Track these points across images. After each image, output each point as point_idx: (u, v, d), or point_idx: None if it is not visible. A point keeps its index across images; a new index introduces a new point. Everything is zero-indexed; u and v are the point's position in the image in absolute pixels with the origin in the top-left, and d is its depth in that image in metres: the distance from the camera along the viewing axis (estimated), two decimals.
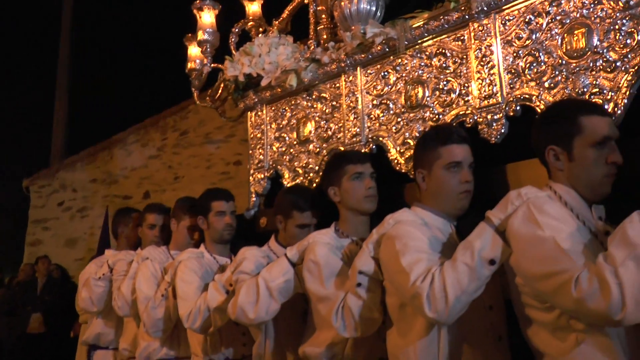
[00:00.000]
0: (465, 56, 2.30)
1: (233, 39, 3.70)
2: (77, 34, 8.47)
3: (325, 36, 3.13)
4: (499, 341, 1.86)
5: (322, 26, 3.16)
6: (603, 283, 1.32)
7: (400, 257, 1.74)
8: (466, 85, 2.28)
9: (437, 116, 2.36)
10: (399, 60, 2.54)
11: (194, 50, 3.69)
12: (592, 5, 1.97)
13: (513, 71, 2.15)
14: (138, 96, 8.16)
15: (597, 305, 1.33)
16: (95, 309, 3.33)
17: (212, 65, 3.49)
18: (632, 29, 1.87)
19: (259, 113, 3.23)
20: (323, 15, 3.18)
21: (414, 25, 2.45)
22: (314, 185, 2.80)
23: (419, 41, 2.45)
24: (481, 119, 2.20)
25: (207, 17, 3.50)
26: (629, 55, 1.86)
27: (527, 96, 2.09)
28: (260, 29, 3.74)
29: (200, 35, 3.45)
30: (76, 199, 7.59)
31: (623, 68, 1.87)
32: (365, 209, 2.23)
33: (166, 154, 7.12)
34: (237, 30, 3.77)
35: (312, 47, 3.07)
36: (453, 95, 2.32)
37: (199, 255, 2.84)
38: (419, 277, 1.65)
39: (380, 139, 2.55)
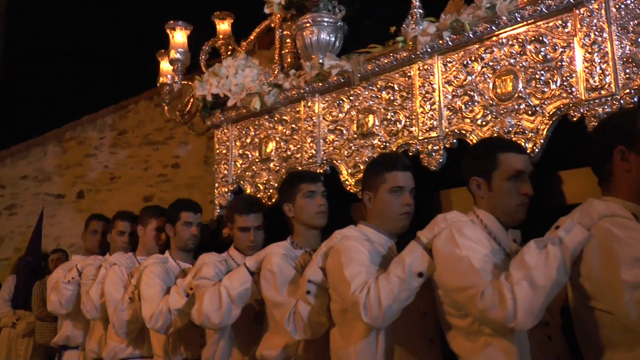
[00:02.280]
0: (411, 91, 2.59)
1: (203, 57, 3.94)
2: (10, 26, 8.12)
3: (289, 60, 3.38)
4: (431, 343, 2.11)
5: (287, 50, 3.41)
6: (502, 298, 1.59)
7: (343, 268, 1.99)
8: (411, 117, 2.57)
9: (384, 144, 2.63)
10: (353, 90, 2.81)
11: (165, 66, 3.89)
12: (519, 55, 2.27)
13: (451, 108, 2.44)
14: (76, 92, 7.78)
15: (495, 315, 1.61)
16: (64, 311, 3.51)
17: (183, 82, 3.71)
18: (549, 79, 2.17)
19: (225, 131, 3.46)
20: (288, 40, 3.43)
21: (366, 60, 2.72)
22: (273, 200, 3.04)
23: (371, 75, 2.73)
24: (423, 149, 2.48)
25: (179, 37, 3.71)
26: (546, 102, 2.17)
27: (462, 131, 2.38)
28: (230, 47, 3.98)
29: (173, 54, 3.66)
30: (4, 195, 7.26)
31: (541, 112, 2.17)
32: (316, 224, 2.49)
33: (103, 153, 6.93)
34: (207, 48, 4.00)
35: (277, 71, 3.31)
36: (399, 126, 2.60)
37: (164, 261, 3.05)
38: (358, 288, 1.91)
39: (334, 161, 2.82)
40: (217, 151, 3.50)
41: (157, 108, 6.21)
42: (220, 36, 4.08)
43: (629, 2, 2.01)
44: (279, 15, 3.36)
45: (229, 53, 3.87)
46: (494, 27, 2.32)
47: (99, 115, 6.95)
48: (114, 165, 6.80)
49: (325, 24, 3.02)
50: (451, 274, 1.77)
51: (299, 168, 2.95)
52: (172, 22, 3.71)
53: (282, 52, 3.44)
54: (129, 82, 3.66)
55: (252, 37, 3.79)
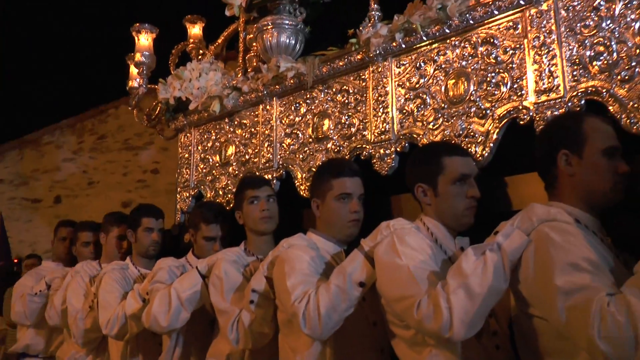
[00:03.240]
0: (365, 94, 2.53)
1: (173, 60, 3.89)
2: None
3: (255, 63, 3.33)
4: (381, 353, 2.05)
5: (252, 54, 3.36)
6: (437, 307, 1.53)
7: (286, 278, 1.93)
8: (364, 121, 2.51)
9: (338, 148, 2.57)
10: (309, 94, 2.75)
11: (135, 70, 3.84)
12: (470, 58, 2.21)
13: (404, 111, 2.38)
14: (55, 95, 7.63)
15: (431, 325, 1.54)
16: (28, 322, 3.46)
17: (148, 85, 3.66)
18: (500, 82, 2.11)
19: (188, 135, 3.41)
20: (254, 44, 3.38)
21: (322, 62, 2.66)
22: (231, 205, 2.98)
23: (327, 77, 2.67)
24: (375, 153, 2.42)
25: (144, 40, 3.67)
26: (496, 105, 2.11)
27: (414, 135, 2.32)
28: (201, 52, 3.93)
29: (138, 57, 3.61)
30: None
31: (492, 116, 2.11)
32: (261, 229, 2.43)
33: (82, 157, 6.87)
34: (176, 51, 3.96)
35: (240, 74, 3.26)
36: (353, 130, 2.54)
37: (124, 267, 2.99)
38: (298, 298, 1.85)
39: (290, 165, 2.76)
40: (180, 155, 3.44)
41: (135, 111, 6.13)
42: (191, 40, 4.04)
43: (576, 3, 1.94)
44: (243, 18, 3.31)
45: (200, 57, 3.83)
46: (446, 29, 2.26)
47: (78, 120, 6.87)
48: (92, 170, 6.72)
49: (286, 26, 2.97)
50: (391, 283, 1.71)
51: (256, 172, 2.89)
52: (137, 24, 3.66)
53: (247, 55, 3.39)
54: (110, 86, 3.60)
55: (219, 41, 3.74)
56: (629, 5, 1.81)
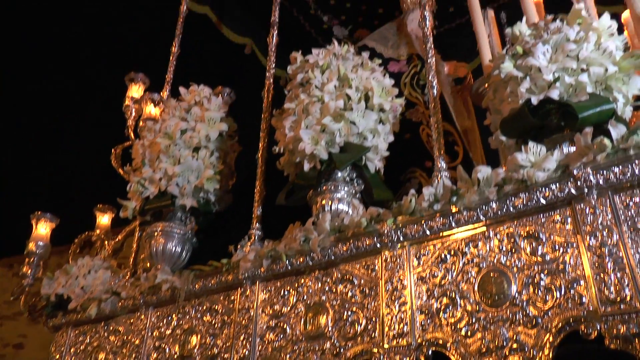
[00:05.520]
0: (230, 317, 2.48)
1: (74, 249, 3.83)
2: None
3: (147, 265, 3.28)
4: None
5: (144, 255, 3.33)
6: None
7: None
8: (226, 344, 2.43)
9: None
10: (181, 308, 2.69)
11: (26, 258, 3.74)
12: (331, 293, 2.20)
13: (264, 339, 2.32)
14: None
15: None
16: None
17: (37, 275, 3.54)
18: (355, 321, 2.10)
19: (63, 335, 3.23)
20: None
21: (196, 278, 2.65)
22: None
23: (200, 293, 2.63)
24: None
25: (42, 229, 3.63)
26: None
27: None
28: (106, 242, 3.89)
29: (31, 246, 3.54)
30: None
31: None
32: None
33: None
34: (79, 241, 3.91)
35: (127, 276, 3.20)
36: (215, 351, 2.45)
37: None
38: None
39: None
40: (51, 356, 3.23)
41: (15, 278, 5.81)
42: (97, 230, 4.04)
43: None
44: (138, 220, 3.33)
45: (102, 248, 3.79)
46: (309, 261, 2.30)
47: None
48: None
49: (175, 234, 2.99)
50: None
51: None
52: (38, 212, 3.65)
53: (140, 256, 3.36)
54: None
55: (119, 237, 3.73)
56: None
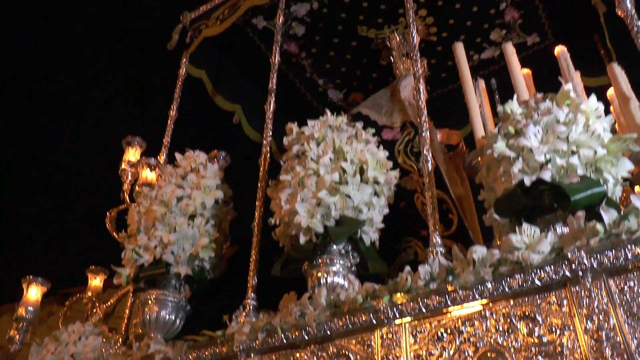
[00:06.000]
0: None
1: (64, 312, 3.79)
2: None
3: (139, 330, 3.24)
4: None
5: (136, 320, 3.29)
6: None
7: None
8: None
9: None
10: None
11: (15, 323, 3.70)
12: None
13: None
14: None
15: None
16: None
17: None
18: None
19: None
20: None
21: (190, 348, 2.62)
22: None
23: None
24: None
25: (33, 293, 3.60)
26: None
27: None
28: (97, 305, 3.86)
29: (21, 311, 3.51)
30: None
31: None
32: None
33: None
34: (70, 303, 3.88)
35: (119, 343, 3.15)
36: None
37: None
38: None
39: None
40: None
41: None
42: (89, 293, 4.02)
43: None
44: (131, 287, 3.31)
45: (93, 313, 3.76)
46: (305, 335, 2.29)
47: None
48: None
49: (168, 302, 2.97)
50: None
51: None
52: (30, 276, 3.63)
53: (133, 321, 3.32)
54: None
55: (112, 301, 3.70)
56: None
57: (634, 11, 2.33)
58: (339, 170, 2.46)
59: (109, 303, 3.72)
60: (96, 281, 4.15)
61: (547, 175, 1.90)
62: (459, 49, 3.06)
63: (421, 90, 2.83)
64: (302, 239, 2.44)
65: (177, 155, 3.22)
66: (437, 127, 3.88)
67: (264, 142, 3.16)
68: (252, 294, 2.73)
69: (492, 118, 2.98)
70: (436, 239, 2.31)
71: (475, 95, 3.06)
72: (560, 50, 2.77)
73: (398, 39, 4.47)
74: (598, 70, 4.05)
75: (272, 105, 3.29)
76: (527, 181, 1.93)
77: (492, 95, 4.56)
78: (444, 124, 4.30)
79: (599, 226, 1.69)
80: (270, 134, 3.18)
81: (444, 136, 3.75)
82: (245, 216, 3.18)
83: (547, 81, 3.82)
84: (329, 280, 2.43)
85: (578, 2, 4.01)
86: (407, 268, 2.13)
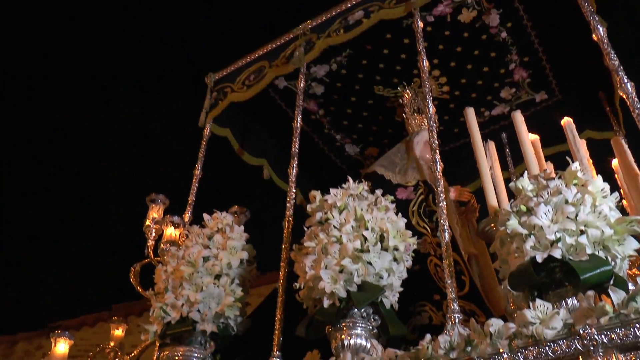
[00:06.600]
0: None
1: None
2: None
3: None
4: None
5: None
6: None
7: None
8: None
9: None
10: None
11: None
12: None
13: None
14: None
15: None
16: None
17: None
18: None
19: None
20: None
21: None
22: None
23: None
24: None
25: (61, 347, 3.73)
26: None
27: None
28: (119, 354, 3.99)
29: None
30: None
31: None
32: None
33: None
34: (94, 353, 4.00)
35: None
36: None
37: None
38: None
39: None
40: None
41: None
42: (112, 343, 4.14)
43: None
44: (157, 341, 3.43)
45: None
46: None
47: None
48: None
49: (194, 359, 3.09)
50: None
51: None
52: (58, 330, 3.76)
53: None
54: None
55: (136, 352, 3.82)
56: None
57: (634, 94, 2.50)
58: (360, 238, 2.61)
59: (133, 354, 3.84)
60: (118, 331, 4.28)
61: (557, 253, 2.04)
62: (470, 114, 3.22)
63: (438, 162, 2.97)
64: (326, 303, 2.57)
65: (205, 216, 3.38)
66: (449, 182, 4.03)
67: (287, 204, 3.31)
68: (277, 352, 2.85)
69: (502, 177, 3.10)
70: (454, 306, 2.44)
71: (486, 158, 3.21)
72: (566, 121, 2.93)
73: (409, 95, 4.66)
74: (603, 125, 4.24)
75: (295, 169, 3.45)
76: (539, 258, 2.07)
77: (502, 149, 4.73)
78: (456, 176, 4.47)
79: (607, 307, 1.83)
80: (294, 197, 3.33)
81: (456, 194, 3.90)
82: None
83: (555, 137, 4.02)
84: (352, 342, 2.54)
85: (582, 63, 4.22)
86: (428, 336, 2.25)
